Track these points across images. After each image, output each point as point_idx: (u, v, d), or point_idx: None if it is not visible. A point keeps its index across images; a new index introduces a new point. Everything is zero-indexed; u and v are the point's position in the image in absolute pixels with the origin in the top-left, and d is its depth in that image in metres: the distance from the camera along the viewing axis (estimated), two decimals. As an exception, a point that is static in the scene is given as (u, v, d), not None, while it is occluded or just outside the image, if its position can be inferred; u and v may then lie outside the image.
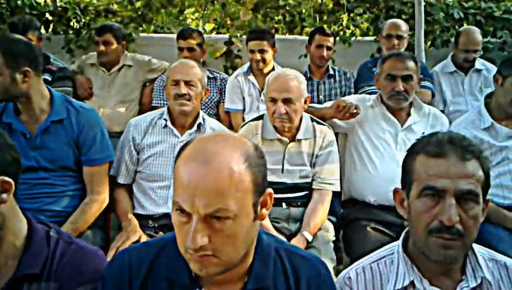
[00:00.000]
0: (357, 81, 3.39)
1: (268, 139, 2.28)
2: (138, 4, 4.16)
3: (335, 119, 2.47)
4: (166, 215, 2.17)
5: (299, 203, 2.26)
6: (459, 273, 1.18)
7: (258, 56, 3.13)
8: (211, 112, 3.23)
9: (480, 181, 1.12)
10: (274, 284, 1.09)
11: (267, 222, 2.15)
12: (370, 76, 3.08)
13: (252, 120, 2.37)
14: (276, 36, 3.74)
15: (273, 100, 2.18)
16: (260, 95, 3.15)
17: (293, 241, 2.09)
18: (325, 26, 3.80)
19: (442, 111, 3.20)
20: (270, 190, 1.07)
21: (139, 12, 4.04)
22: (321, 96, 3.32)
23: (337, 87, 3.35)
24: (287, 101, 2.16)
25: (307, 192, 2.28)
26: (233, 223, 0.97)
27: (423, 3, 3.35)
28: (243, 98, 3.17)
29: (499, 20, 3.79)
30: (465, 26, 3.57)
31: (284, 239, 2.07)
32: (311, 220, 2.16)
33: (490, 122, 2.32)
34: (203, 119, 2.32)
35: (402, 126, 2.42)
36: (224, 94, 3.24)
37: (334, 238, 2.20)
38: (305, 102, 2.25)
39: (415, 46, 3.52)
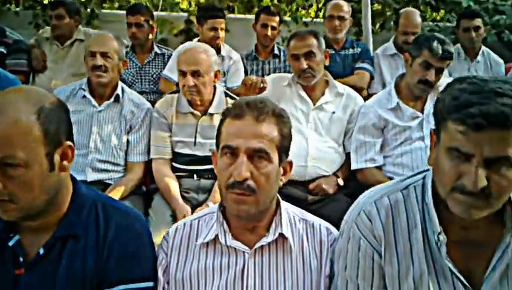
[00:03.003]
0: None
1: (182, 113, 2.38)
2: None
3: None
4: (83, 183, 2.29)
5: (209, 176, 2.34)
6: (264, 230, 1.27)
7: (221, 34, 3.22)
8: (157, 87, 3.34)
9: (274, 141, 1.20)
10: (85, 232, 1.19)
11: (175, 191, 2.26)
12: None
13: (169, 93, 2.48)
14: (233, 15, 3.81)
15: (183, 73, 2.27)
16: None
17: (198, 210, 2.18)
18: (283, 6, 3.85)
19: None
20: (69, 143, 1.15)
21: (102, -11, 4.13)
22: (265, 76, 3.39)
23: (282, 67, 3.42)
24: (195, 74, 2.24)
25: (218, 165, 2.37)
26: (26, 171, 1.06)
27: (368, -15, 3.36)
28: None
29: (449, 3, 3.77)
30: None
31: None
32: (217, 190, 2.26)
33: (396, 102, 2.38)
34: (122, 91, 2.44)
35: (314, 105, 2.49)
36: (170, 70, 3.33)
37: (239, 209, 2.29)
38: (216, 76, 2.34)
39: (363, 29, 3.55)
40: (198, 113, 2.36)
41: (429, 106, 2.37)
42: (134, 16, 3.32)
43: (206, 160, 2.35)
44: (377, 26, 3.84)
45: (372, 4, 3.74)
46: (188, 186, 2.35)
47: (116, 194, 2.24)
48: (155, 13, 4.02)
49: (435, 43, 2.20)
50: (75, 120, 2.36)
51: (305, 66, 2.43)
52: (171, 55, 3.39)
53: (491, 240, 1.11)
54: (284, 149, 1.24)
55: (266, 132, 1.19)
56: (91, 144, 2.34)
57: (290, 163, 1.28)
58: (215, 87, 2.39)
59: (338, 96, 2.54)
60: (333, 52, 3.34)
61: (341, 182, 2.45)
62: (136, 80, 3.34)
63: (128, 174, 2.38)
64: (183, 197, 2.28)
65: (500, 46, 3.78)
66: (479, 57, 3.49)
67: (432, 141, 1.11)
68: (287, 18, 3.92)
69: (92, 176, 2.33)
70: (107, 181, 2.36)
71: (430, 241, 1.13)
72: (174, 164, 2.39)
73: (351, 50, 3.35)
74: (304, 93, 2.52)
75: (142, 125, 2.41)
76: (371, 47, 3.51)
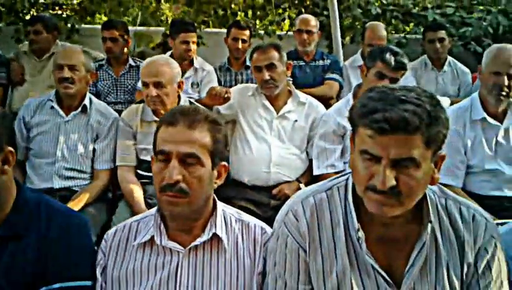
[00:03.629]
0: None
1: (146, 121, 2.45)
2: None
3: (220, 108, 2.64)
4: (50, 190, 2.35)
5: (173, 182, 2.42)
6: (200, 231, 1.32)
7: (192, 47, 3.33)
8: (133, 98, 3.43)
9: (206, 147, 1.26)
10: (26, 232, 1.25)
11: (138, 197, 2.32)
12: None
13: (135, 103, 2.56)
14: (208, 30, 3.92)
15: (145, 84, 2.35)
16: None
17: None
18: (257, 21, 3.97)
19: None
20: (10, 149, 1.22)
21: (82, 5, 4.25)
22: (239, 86, 3.49)
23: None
24: (158, 85, 2.31)
25: (181, 171, 2.44)
26: None
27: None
28: None
29: (416, 17, 3.90)
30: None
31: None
32: None
33: (353, 110, 2.46)
34: (90, 102, 2.51)
35: (277, 114, 2.58)
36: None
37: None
38: (179, 86, 2.42)
39: (333, 41, 3.67)
40: (162, 122, 2.43)
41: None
42: (109, 30, 3.42)
43: (170, 167, 2.42)
44: (347, 39, 3.95)
45: (342, 18, 3.86)
46: (152, 193, 2.39)
47: (81, 200, 2.30)
48: (133, 28, 4.16)
49: (388, 55, 2.29)
50: (43, 130, 2.45)
51: (267, 77, 2.52)
52: (145, 67, 3.49)
53: (410, 237, 1.17)
54: (217, 153, 1.29)
55: (198, 138, 1.25)
56: (58, 152, 2.41)
57: (225, 167, 1.34)
58: (179, 96, 2.47)
59: (300, 105, 2.62)
60: (303, 63, 3.46)
61: (303, 187, 2.52)
62: (112, 91, 3.43)
63: (94, 181, 2.45)
64: (147, 203, 2.33)
65: (467, 56, 3.90)
66: (445, 67, 3.61)
67: (351, 145, 1.18)
68: (261, 31, 4.03)
69: (58, 183, 2.39)
70: (74, 188, 2.42)
71: (352, 238, 1.18)
72: (139, 171, 2.45)
73: (320, 61, 3.46)
74: (267, 103, 2.61)
75: (108, 134, 2.48)
76: (341, 59, 3.62)
